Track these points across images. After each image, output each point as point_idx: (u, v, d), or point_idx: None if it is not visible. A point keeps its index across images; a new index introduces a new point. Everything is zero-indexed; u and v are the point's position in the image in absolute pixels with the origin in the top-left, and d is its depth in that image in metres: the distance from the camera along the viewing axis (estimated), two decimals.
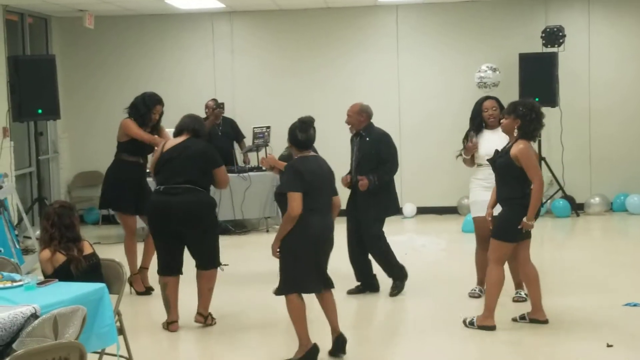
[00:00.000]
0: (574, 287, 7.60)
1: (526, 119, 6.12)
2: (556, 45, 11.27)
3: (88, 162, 12.02)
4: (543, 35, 11.29)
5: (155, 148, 7.28)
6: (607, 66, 11.76)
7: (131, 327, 5.59)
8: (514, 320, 6.46)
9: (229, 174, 7.16)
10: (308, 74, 12.06)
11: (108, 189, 7.87)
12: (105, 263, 5.40)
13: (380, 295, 7.46)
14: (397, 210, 7.68)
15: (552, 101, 11.21)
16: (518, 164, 6.07)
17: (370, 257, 7.50)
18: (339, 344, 5.73)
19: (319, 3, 11.62)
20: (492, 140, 6.77)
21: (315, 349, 5.63)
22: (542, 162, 11.31)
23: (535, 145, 10.82)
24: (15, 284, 4.82)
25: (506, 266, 6.54)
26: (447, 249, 9.97)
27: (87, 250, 5.35)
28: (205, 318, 6.61)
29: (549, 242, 10.64)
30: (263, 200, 10.70)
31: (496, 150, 6.35)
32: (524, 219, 6.06)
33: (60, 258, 5.22)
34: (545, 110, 10.89)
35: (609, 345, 5.81)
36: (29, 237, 9.44)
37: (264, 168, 10.65)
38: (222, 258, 6.73)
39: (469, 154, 7.04)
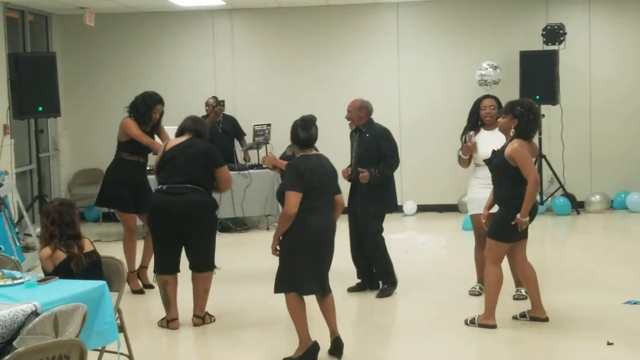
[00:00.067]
0: (574, 285, 7.60)
1: (523, 119, 6.12)
2: (557, 43, 11.27)
3: (88, 159, 12.02)
4: (544, 33, 11.28)
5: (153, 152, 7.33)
6: (607, 64, 11.76)
7: (130, 325, 5.59)
8: (515, 318, 6.46)
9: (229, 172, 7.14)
10: (309, 72, 12.05)
11: (108, 188, 7.87)
12: (105, 260, 5.40)
13: None
14: (395, 207, 7.68)
15: (553, 99, 11.21)
16: (513, 163, 6.07)
17: None
18: (336, 347, 5.72)
19: (319, 1, 11.61)
20: (491, 141, 6.76)
21: (315, 347, 5.63)
22: (543, 160, 11.32)
23: (535, 143, 10.92)
24: (15, 281, 4.83)
25: (505, 264, 6.54)
26: (448, 246, 9.97)
27: (88, 247, 5.35)
28: (202, 319, 6.62)
29: (549, 240, 10.64)
30: (263, 197, 10.71)
31: (493, 151, 6.36)
32: (518, 216, 6.06)
33: (61, 256, 5.22)
34: (545, 108, 11.13)
35: (609, 343, 5.82)
36: (30, 235, 9.44)
37: (264, 166, 10.66)
38: (223, 256, 6.74)
39: (467, 154, 7.04)
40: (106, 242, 10.05)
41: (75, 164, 12.20)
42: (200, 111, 11.15)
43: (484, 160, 6.57)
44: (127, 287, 7.32)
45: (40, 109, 9.81)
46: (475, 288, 7.25)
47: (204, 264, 6.59)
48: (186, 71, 12.16)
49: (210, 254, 6.65)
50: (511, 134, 6.17)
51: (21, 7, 10.94)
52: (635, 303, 6.81)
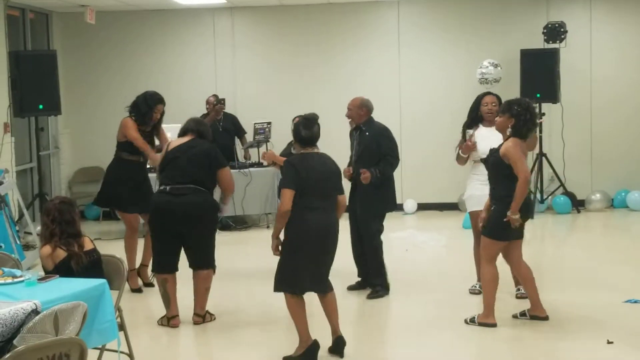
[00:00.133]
0: (574, 284, 7.60)
1: (520, 119, 6.13)
2: (558, 42, 11.26)
3: (89, 157, 12.02)
4: (545, 31, 11.27)
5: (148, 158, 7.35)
6: (608, 63, 11.75)
7: (131, 323, 5.59)
8: (515, 317, 6.46)
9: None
10: (309, 70, 12.05)
11: (108, 187, 7.87)
12: (106, 259, 5.40)
13: None
14: (395, 206, 7.67)
15: (554, 97, 11.21)
16: (507, 162, 6.08)
17: None
18: (338, 346, 5.72)
19: None
20: (489, 137, 6.76)
21: (315, 345, 5.63)
22: (543, 158, 11.33)
23: (536, 135, 10.90)
24: (16, 279, 4.83)
25: (504, 263, 6.54)
26: (448, 245, 9.98)
27: (88, 246, 5.35)
28: (202, 317, 6.62)
29: (549, 238, 10.65)
30: (264, 196, 10.71)
31: (491, 149, 6.36)
32: (508, 213, 6.06)
33: (61, 254, 5.22)
34: (546, 106, 11.12)
35: (609, 342, 5.82)
36: (30, 233, 9.44)
37: (265, 164, 10.66)
38: (223, 254, 6.75)
39: (466, 153, 7.04)
40: (106, 240, 10.05)
41: (76, 162, 12.20)
42: (201, 109, 11.15)
43: (482, 159, 6.58)
44: (127, 286, 7.34)
45: (41, 107, 9.82)
46: (475, 286, 7.25)
47: (204, 263, 6.60)
48: (187, 69, 12.16)
49: (210, 253, 6.66)
50: (508, 133, 6.18)
51: (22, 4, 10.93)
52: (636, 302, 6.81)
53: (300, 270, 5.55)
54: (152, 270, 6.73)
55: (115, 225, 10.93)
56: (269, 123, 10.99)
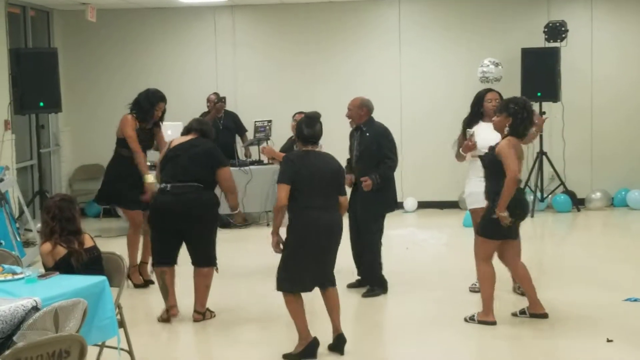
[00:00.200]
0: (574, 282, 7.60)
1: (517, 117, 6.13)
2: (558, 40, 11.25)
3: (89, 155, 12.02)
4: (545, 30, 11.27)
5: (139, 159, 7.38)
6: (609, 62, 11.75)
7: (130, 320, 5.59)
8: (514, 315, 6.47)
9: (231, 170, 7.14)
10: (310, 68, 12.05)
11: (108, 185, 7.88)
12: (106, 256, 5.41)
13: None
14: (396, 206, 7.66)
15: (554, 96, 11.20)
16: (501, 160, 6.09)
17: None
18: (338, 343, 5.72)
19: None
20: (489, 133, 6.75)
21: (315, 343, 5.64)
22: (544, 157, 11.32)
23: (536, 140, 10.91)
24: (16, 276, 4.84)
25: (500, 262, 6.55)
26: (448, 243, 9.98)
27: (88, 243, 5.36)
28: (202, 315, 6.63)
29: (549, 237, 10.65)
30: (264, 193, 10.70)
31: (490, 147, 6.36)
32: (496, 210, 6.07)
33: (61, 251, 5.23)
34: (547, 105, 11.11)
35: (609, 340, 5.82)
36: (30, 230, 9.45)
37: (265, 161, 10.67)
38: (223, 252, 6.74)
39: (466, 152, 7.04)
40: (107, 237, 10.05)
41: (76, 159, 12.21)
42: (202, 107, 11.16)
43: (480, 157, 6.57)
44: (127, 282, 7.35)
45: (42, 104, 9.82)
46: (475, 285, 7.24)
47: (204, 260, 6.61)
48: (188, 67, 12.16)
49: (211, 251, 6.66)
50: (505, 132, 6.18)
51: (23, 2, 10.94)
52: (636, 300, 6.81)
53: (302, 270, 5.55)
54: (152, 264, 6.74)
55: (115, 222, 10.94)
56: (270, 121, 10.99)
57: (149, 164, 8.03)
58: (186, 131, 6.80)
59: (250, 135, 11.23)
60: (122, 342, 5.13)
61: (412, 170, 11.67)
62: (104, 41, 12.11)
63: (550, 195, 11.58)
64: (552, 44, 11.29)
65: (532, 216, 10.86)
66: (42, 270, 5.15)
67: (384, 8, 12.01)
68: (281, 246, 5.61)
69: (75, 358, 3.95)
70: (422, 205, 11.93)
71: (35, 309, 4.25)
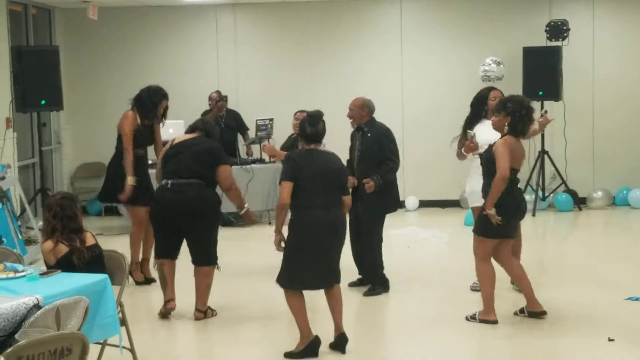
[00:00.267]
0: (575, 282, 7.60)
1: (516, 116, 6.12)
2: (560, 39, 11.25)
3: (91, 153, 12.03)
4: (547, 29, 11.26)
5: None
6: (610, 61, 11.74)
7: (131, 318, 5.60)
8: (516, 314, 6.47)
9: (232, 166, 7.16)
10: (311, 67, 12.04)
11: (110, 183, 7.88)
12: (107, 254, 5.41)
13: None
14: (398, 206, 7.66)
15: (556, 95, 11.20)
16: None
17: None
18: (340, 342, 5.72)
19: None
20: (493, 133, 6.74)
21: (316, 341, 5.64)
22: (545, 156, 11.32)
23: (538, 139, 10.92)
24: (18, 274, 4.84)
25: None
26: (450, 242, 9.98)
27: (90, 241, 5.36)
28: (204, 313, 6.63)
29: (550, 236, 10.65)
30: (265, 192, 10.69)
31: (490, 145, 6.36)
32: (472, 205, 6.07)
33: (63, 249, 5.23)
34: (548, 104, 11.10)
35: (610, 340, 5.82)
36: (32, 228, 9.45)
37: (266, 159, 10.66)
38: (225, 250, 6.74)
39: (468, 152, 7.03)
40: (108, 235, 10.05)
41: (78, 157, 12.21)
42: (204, 106, 11.16)
43: (479, 155, 6.58)
44: (129, 280, 7.35)
45: (43, 102, 9.82)
46: (476, 284, 7.23)
47: (204, 259, 6.60)
48: (189, 65, 12.15)
49: (212, 250, 6.66)
50: (505, 131, 6.17)
51: (24, 0, 10.93)
52: (637, 299, 6.81)
53: (302, 269, 5.55)
54: (154, 257, 6.77)
55: (117, 220, 10.94)
56: (271, 119, 10.98)
57: (150, 162, 8.03)
58: (190, 130, 6.83)
59: (251, 133, 11.23)
60: (124, 340, 5.13)
61: (414, 169, 11.66)
62: (105, 39, 12.11)
63: (551, 194, 11.58)
64: (554, 43, 11.29)
65: (533, 215, 10.87)
66: (44, 268, 5.15)
67: (386, 7, 12.00)
68: (283, 244, 5.61)
69: (77, 356, 3.96)
70: (424, 204, 11.93)
71: (37, 306, 4.25)
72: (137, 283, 7.68)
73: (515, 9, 11.84)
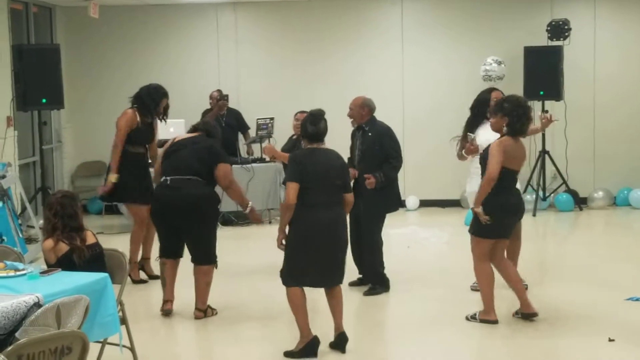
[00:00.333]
0: (576, 282, 7.60)
1: (513, 115, 6.10)
2: (561, 39, 11.25)
3: (91, 151, 12.03)
4: (548, 28, 11.26)
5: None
6: (612, 60, 11.74)
7: (132, 317, 5.60)
8: (516, 314, 6.46)
9: (232, 165, 7.16)
10: (312, 66, 12.04)
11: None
12: (108, 253, 5.41)
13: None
14: (399, 206, 7.65)
15: (557, 95, 11.20)
16: None
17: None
18: (340, 342, 5.72)
19: None
20: (494, 134, 6.74)
21: (315, 341, 5.64)
22: (546, 156, 11.32)
23: (538, 138, 10.92)
24: (18, 273, 4.84)
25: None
26: (450, 242, 9.97)
27: (90, 240, 5.36)
28: (204, 312, 6.63)
29: (551, 236, 10.65)
30: (266, 191, 10.69)
31: (488, 145, 6.36)
32: (472, 205, 6.07)
33: (63, 248, 5.23)
34: (549, 103, 11.10)
35: (610, 340, 5.82)
36: (32, 227, 9.45)
37: (267, 159, 10.66)
38: (225, 249, 6.74)
39: (469, 154, 7.03)
40: (109, 234, 10.06)
41: (78, 156, 12.22)
42: (204, 105, 11.16)
43: (479, 155, 6.58)
44: (129, 279, 7.36)
45: (44, 101, 9.82)
46: (477, 283, 7.24)
47: (203, 258, 6.60)
48: (190, 64, 12.15)
49: (211, 248, 6.66)
50: (504, 131, 6.16)
51: None
52: (637, 299, 6.80)
53: (303, 268, 5.55)
54: (159, 255, 6.78)
55: (117, 219, 10.94)
56: (272, 119, 10.98)
57: (150, 161, 8.04)
58: (192, 129, 6.87)
59: (252, 132, 11.23)
60: (124, 339, 5.13)
61: (414, 168, 11.65)
62: (106, 38, 12.11)
63: (552, 194, 11.58)
64: (555, 43, 11.29)
65: (534, 215, 10.87)
66: (44, 267, 5.15)
67: (387, 6, 12.00)
68: (284, 242, 5.62)
69: (77, 354, 3.96)
70: (424, 203, 11.93)
71: (38, 305, 4.25)
72: (135, 282, 7.67)
73: (517, 9, 11.84)
